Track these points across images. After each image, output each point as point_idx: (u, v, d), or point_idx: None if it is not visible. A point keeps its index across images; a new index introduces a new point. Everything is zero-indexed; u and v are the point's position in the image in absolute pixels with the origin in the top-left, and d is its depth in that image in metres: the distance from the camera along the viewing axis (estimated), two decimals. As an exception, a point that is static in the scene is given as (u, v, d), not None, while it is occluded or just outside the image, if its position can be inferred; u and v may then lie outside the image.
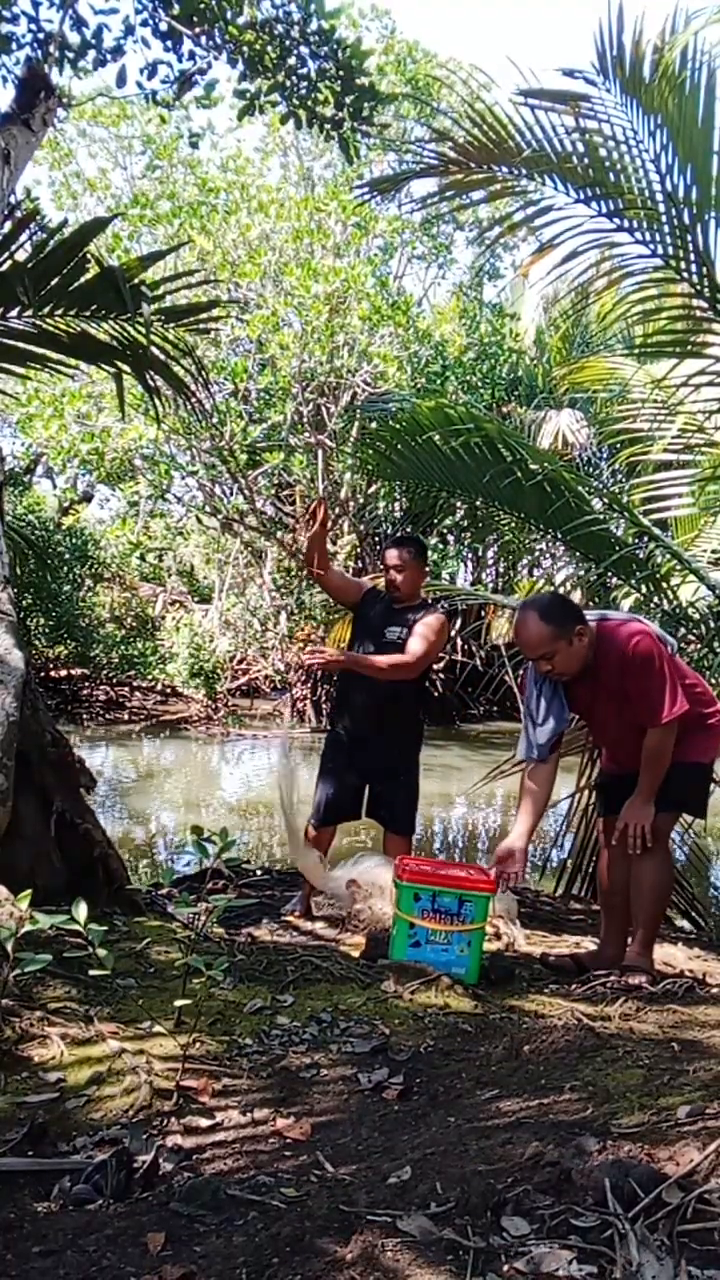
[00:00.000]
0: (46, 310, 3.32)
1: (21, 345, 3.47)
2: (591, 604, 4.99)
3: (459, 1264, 1.39)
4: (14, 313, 3.30)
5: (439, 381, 11.54)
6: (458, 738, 12.62)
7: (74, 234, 3.24)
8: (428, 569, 4.12)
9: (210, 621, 13.89)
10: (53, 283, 3.23)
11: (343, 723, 4.07)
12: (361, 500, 13.04)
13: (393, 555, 3.97)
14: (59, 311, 3.34)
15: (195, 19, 4.93)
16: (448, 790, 9.21)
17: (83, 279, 3.26)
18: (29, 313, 3.31)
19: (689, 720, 3.13)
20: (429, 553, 4.26)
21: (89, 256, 3.24)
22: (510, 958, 3.51)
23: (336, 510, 12.70)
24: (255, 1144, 1.98)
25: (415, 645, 3.84)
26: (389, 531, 13.83)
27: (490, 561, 15.29)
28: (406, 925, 3.21)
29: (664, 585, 4.50)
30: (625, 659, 3.11)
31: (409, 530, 13.14)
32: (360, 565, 12.95)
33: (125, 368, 3.57)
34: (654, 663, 3.09)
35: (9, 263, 3.18)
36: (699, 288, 3.53)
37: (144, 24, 5.09)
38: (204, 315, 3.67)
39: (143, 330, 3.40)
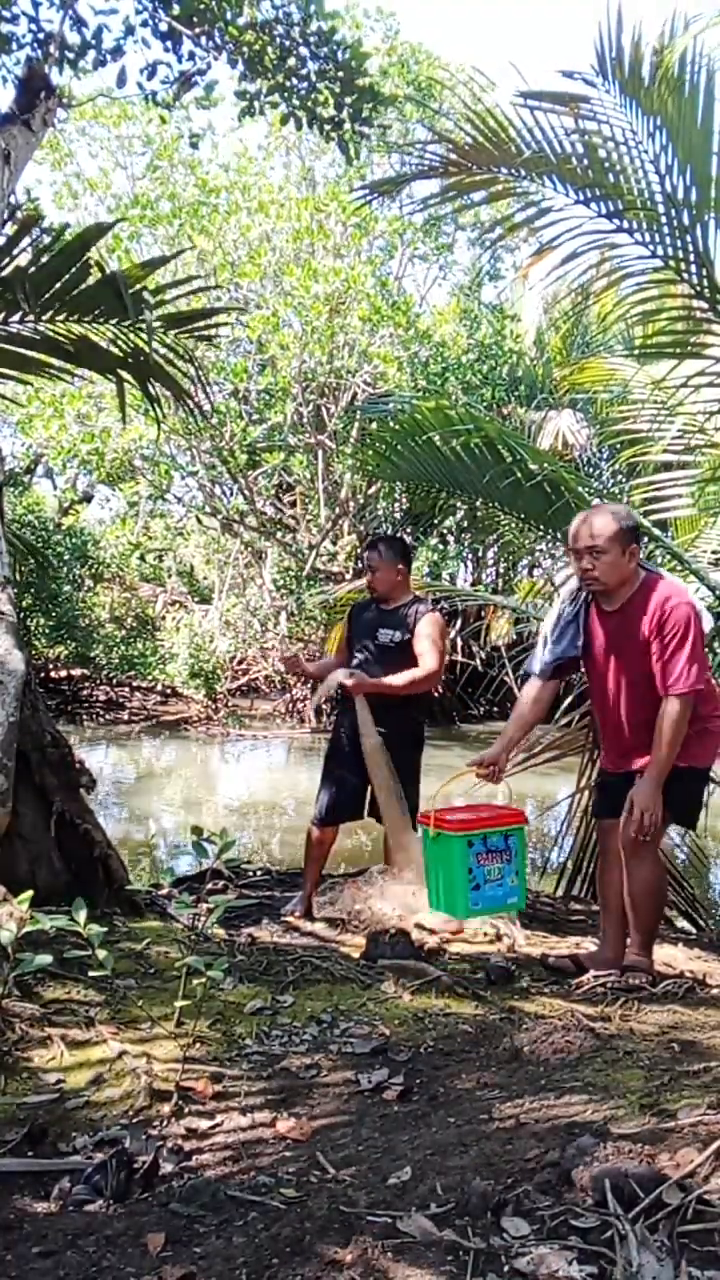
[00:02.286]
0: (48, 316, 3.33)
1: (23, 351, 3.47)
2: None
3: (459, 1265, 1.39)
4: (15, 318, 3.30)
5: (439, 382, 11.53)
6: (458, 738, 12.61)
7: (75, 239, 3.24)
8: (400, 565, 4.02)
9: (210, 622, 13.88)
10: (54, 288, 3.24)
11: (345, 724, 4.07)
12: (361, 501, 13.04)
13: (366, 556, 4.07)
14: (61, 317, 3.35)
15: (195, 19, 4.93)
16: (448, 790, 9.20)
17: (85, 284, 3.27)
18: (30, 318, 3.31)
19: (692, 719, 3.10)
20: (409, 549, 4.22)
21: (90, 262, 3.25)
22: (510, 958, 3.51)
23: (336, 511, 12.70)
24: (255, 1144, 1.98)
25: (428, 659, 3.87)
26: (389, 532, 13.83)
27: (490, 562, 15.29)
28: (465, 873, 3.24)
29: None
30: (667, 610, 3.05)
31: (408, 530, 13.18)
32: (360, 566, 12.94)
33: (127, 375, 3.57)
34: (692, 627, 3.04)
35: (11, 267, 3.19)
36: (699, 289, 3.53)
37: (144, 24, 5.09)
38: (206, 322, 3.67)
39: (144, 336, 3.40)
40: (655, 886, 3.29)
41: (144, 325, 3.36)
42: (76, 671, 13.79)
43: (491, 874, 3.30)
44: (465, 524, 12.13)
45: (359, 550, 12.96)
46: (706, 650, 4.36)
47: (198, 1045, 2.41)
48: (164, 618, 14.65)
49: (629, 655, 3.16)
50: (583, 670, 3.45)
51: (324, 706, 12.59)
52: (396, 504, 13.33)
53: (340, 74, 5.04)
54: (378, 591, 4.02)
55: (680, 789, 3.18)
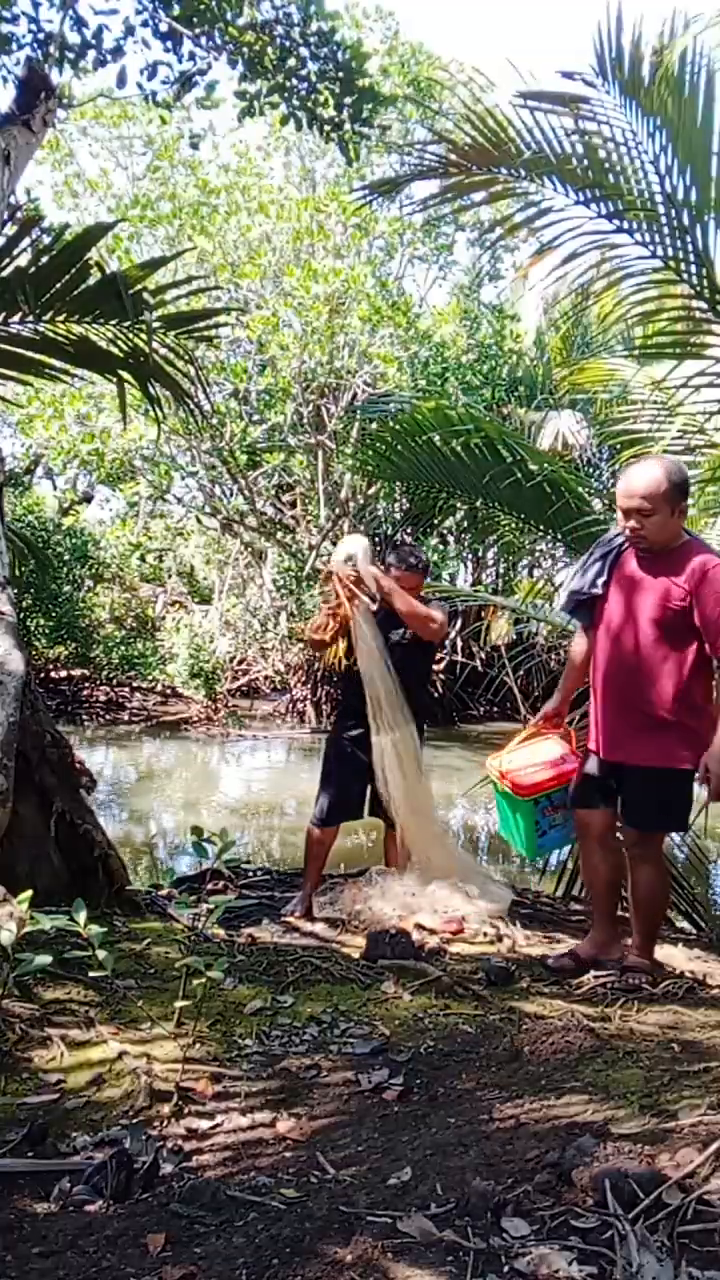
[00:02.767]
0: (49, 316, 3.33)
1: (24, 352, 3.48)
2: None
3: (459, 1265, 1.39)
4: (16, 318, 3.30)
5: (439, 382, 11.53)
6: (458, 738, 12.61)
7: (76, 239, 3.25)
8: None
9: (210, 622, 13.88)
10: (55, 288, 3.24)
11: (346, 725, 4.08)
12: (361, 501, 13.04)
13: (408, 580, 3.93)
14: (61, 317, 3.35)
15: (195, 20, 4.94)
16: (448, 791, 9.20)
17: (85, 285, 3.27)
18: (30, 319, 3.32)
19: (688, 718, 3.04)
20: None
21: (90, 262, 3.25)
22: (510, 959, 3.51)
23: (336, 511, 12.70)
24: (255, 1145, 1.98)
25: (433, 613, 3.92)
26: (389, 532, 13.81)
27: (490, 562, 15.28)
28: (534, 824, 3.55)
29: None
30: (707, 573, 2.95)
31: (409, 534, 13.16)
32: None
33: (127, 376, 3.57)
34: None
35: (11, 268, 3.19)
36: (698, 289, 3.53)
37: (144, 24, 5.10)
38: (206, 322, 3.67)
39: (144, 337, 3.40)
40: (659, 889, 3.29)
41: (144, 326, 3.36)
42: (76, 671, 13.78)
43: (555, 821, 3.58)
44: (465, 524, 12.12)
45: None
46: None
47: (198, 1045, 2.41)
48: (164, 618, 14.64)
49: (647, 610, 3.05)
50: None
51: (323, 706, 12.60)
52: (396, 504, 13.33)
53: (340, 74, 5.04)
54: None
55: (681, 799, 3.15)
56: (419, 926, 3.67)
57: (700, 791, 3.06)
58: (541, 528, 4.64)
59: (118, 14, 5.11)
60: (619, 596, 3.15)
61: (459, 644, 13.83)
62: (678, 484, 3.00)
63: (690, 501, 3.08)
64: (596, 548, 3.26)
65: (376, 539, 13.59)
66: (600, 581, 3.18)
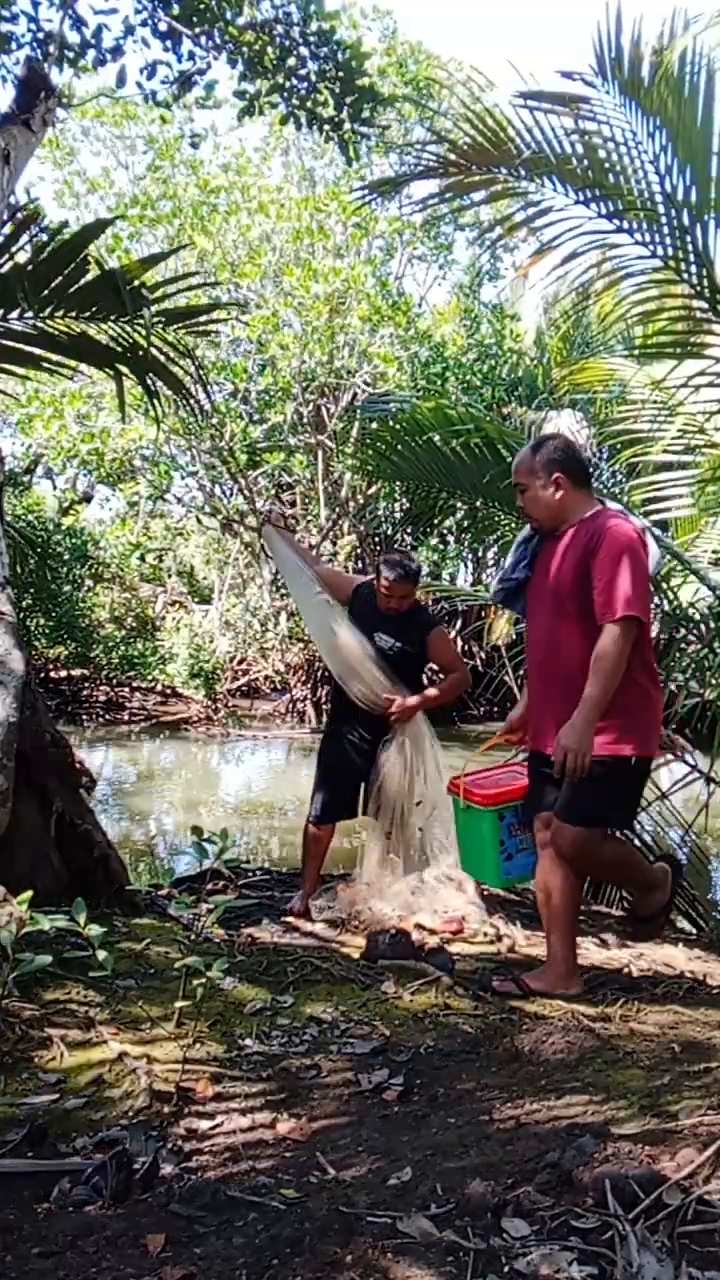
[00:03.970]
0: (47, 312, 3.33)
1: (22, 346, 3.48)
2: None
3: (459, 1265, 1.39)
4: (14, 314, 3.30)
5: (439, 382, 11.53)
6: (458, 738, 12.58)
7: (74, 236, 3.25)
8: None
9: (210, 622, 13.88)
10: (53, 284, 3.24)
11: (343, 722, 4.07)
12: (361, 501, 13.04)
13: (399, 589, 3.90)
14: (59, 313, 3.35)
15: (195, 19, 4.94)
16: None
17: (83, 281, 3.27)
18: (29, 314, 3.32)
19: (629, 699, 2.86)
20: (421, 566, 4.20)
21: (89, 258, 3.25)
22: (510, 959, 3.51)
23: (336, 511, 12.70)
24: (255, 1145, 1.98)
25: (458, 668, 4.20)
26: (389, 532, 13.81)
27: (490, 562, 15.26)
28: (497, 845, 3.26)
29: (664, 585, 4.50)
30: (601, 534, 2.87)
31: (408, 530, 13.15)
32: (360, 566, 12.95)
33: (125, 370, 3.58)
34: (627, 550, 2.82)
35: (9, 264, 3.19)
36: (699, 288, 3.53)
37: (144, 24, 5.10)
38: (204, 318, 3.68)
39: (143, 332, 3.41)
40: (568, 902, 3.00)
41: (142, 321, 3.37)
42: (76, 671, 13.77)
43: (524, 843, 3.29)
44: (465, 524, 12.11)
45: (356, 549, 13.00)
46: (706, 650, 4.37)
47: (198, 1045, 2.41)
48: (164, 618, 14.64)
49: (561, 587, 2.97)
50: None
51: (323, 705, 12.60)
52: (396, 504, 13.32)
53: (340, 74, 5.05)
54: (397, 613, 3.98)
55: (606, 790, 2.91)
56: (419, 926, 3.67)
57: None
58: (541, 527, 4.62)
59: (117, 13, 5.14)
60: (536, 579, 3.13)
61: (459, 644, 13.81)
62: (551, 458, 3.00)
63: (562, 473, 2.98)
64: (518, 535, 3.26)
65: (376, 539, 13.61)
66: (522, 566, 3.17)
